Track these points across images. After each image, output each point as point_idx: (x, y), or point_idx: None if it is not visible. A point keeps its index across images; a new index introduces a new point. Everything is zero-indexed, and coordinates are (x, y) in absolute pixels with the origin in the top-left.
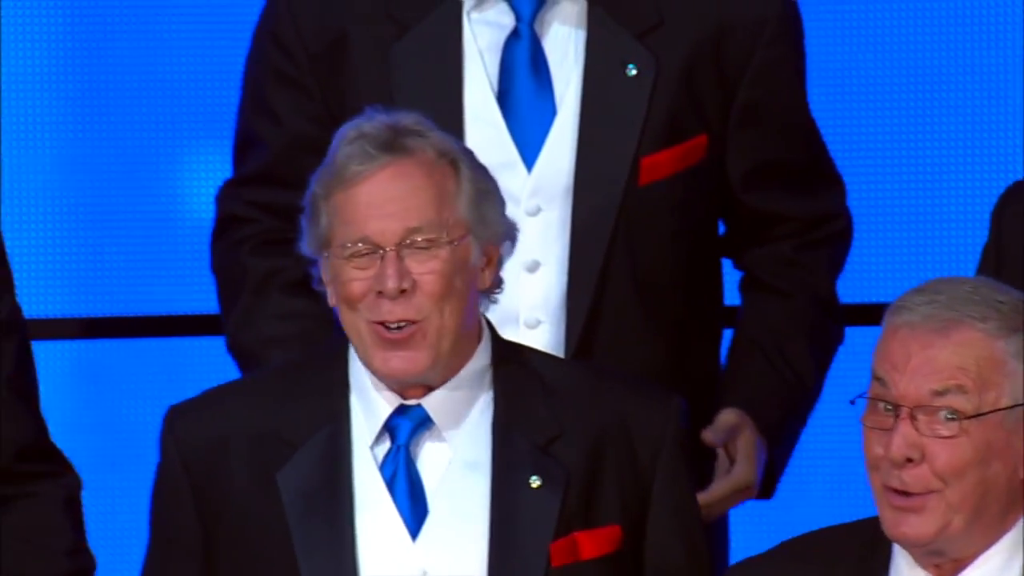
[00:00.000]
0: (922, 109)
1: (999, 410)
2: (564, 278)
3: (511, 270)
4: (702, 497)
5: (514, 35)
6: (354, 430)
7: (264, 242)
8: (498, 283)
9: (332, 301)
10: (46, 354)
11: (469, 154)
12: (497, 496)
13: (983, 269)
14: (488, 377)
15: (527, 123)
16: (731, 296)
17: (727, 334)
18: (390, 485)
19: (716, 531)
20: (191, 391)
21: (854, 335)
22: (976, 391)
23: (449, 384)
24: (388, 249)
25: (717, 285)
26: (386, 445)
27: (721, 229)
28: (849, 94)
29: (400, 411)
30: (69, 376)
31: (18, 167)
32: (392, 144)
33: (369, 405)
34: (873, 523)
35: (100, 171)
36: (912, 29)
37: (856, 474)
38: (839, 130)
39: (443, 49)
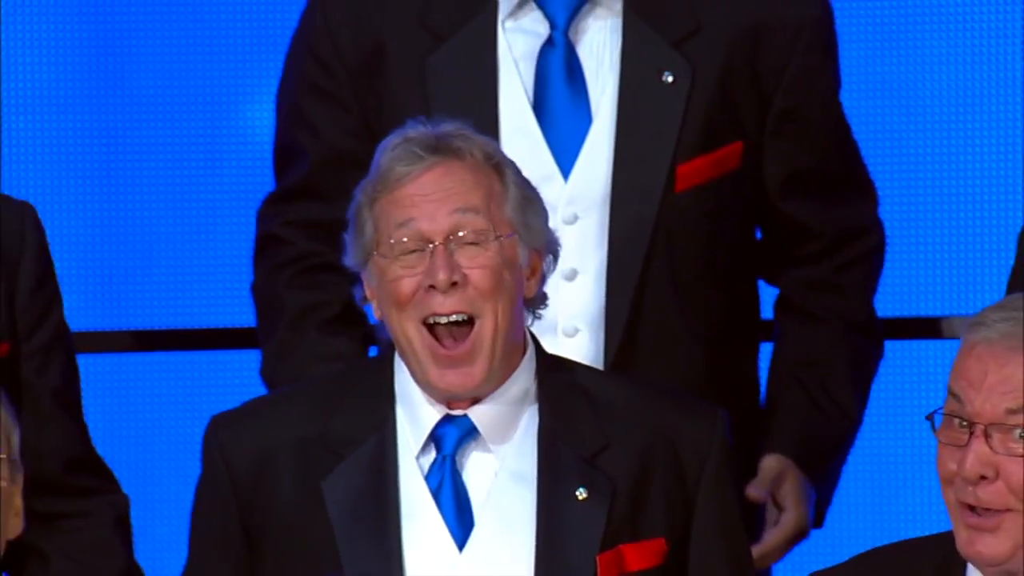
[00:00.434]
0: (962, 118)
1: None
2: (602, 286)
3: (549, 279)
4: (756, 549)
5: (549, 43)
6: (400, 440)
7: (302, 270)
8: (543, 298)
9: (377, 313)
10: (92, 367)
11: (513, 163)
12: (543, 508)
13: (1012, 288)
14: (533, 389)
15: (563, 132)
16: (767, 309)
17: (764, 348)
18: (436, 495)
19: None
20: (236, 404)
21: (891, 349)
22: None
23: (495, 395)
24: (437, 243)
25: (754, 292)
26: (431, 455)
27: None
28: (888, 101)
29: (446, 420)
30: (115, 389)
31: (63, 181)
32: (438, 147)
33: (415, 415)
34: (948, 539)
35: (145, 185)
36: (951, 36)
37: (893, 486)
38: (875, 137)
39: (478, 59)
